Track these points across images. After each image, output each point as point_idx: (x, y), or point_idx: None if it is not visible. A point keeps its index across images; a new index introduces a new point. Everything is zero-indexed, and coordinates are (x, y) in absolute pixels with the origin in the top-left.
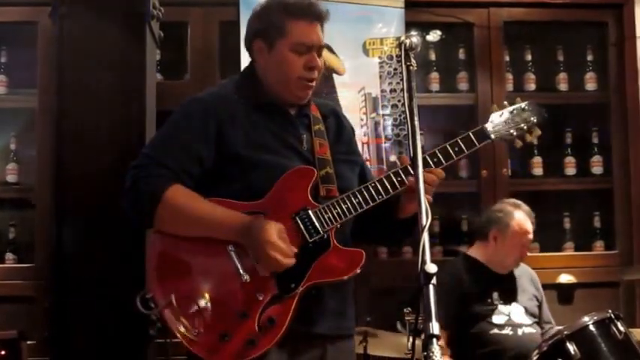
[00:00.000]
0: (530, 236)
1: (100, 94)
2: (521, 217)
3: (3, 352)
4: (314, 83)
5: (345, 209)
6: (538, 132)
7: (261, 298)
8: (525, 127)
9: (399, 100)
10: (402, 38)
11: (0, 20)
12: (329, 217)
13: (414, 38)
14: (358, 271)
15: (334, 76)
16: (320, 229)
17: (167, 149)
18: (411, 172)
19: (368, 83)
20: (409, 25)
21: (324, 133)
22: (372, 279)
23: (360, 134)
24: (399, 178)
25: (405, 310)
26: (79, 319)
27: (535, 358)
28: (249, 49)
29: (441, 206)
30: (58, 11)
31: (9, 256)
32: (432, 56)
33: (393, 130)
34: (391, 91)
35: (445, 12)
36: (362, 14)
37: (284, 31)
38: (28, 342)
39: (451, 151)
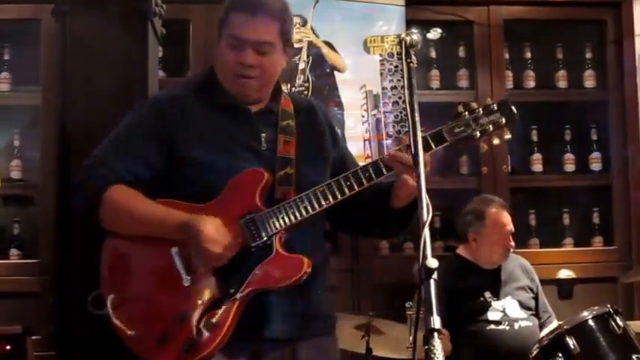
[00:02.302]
0: (509, 227)
1: (103, 91)
2: (494, 212)
3: (8, 347)
4: (253, 81)
5: (290, 214)
6: (508, 135)
7: (200, 302)
8: (491, 129)
9: (399, 98)
10: (403, 36)
11: (3, 18)
12: (273, 223)
13: (415, 36)
14: (301, 277)
15: (335, 73)
16: (263, 234)
17: (114, 150)
18: (362, 176)
19: (369, 81)
20: (410, 23)
21: (292, 129)
22: (373, 274)
23: (362, 131)
24: (347, 183)
25: (406, 304)
26: (84, 314)
27: (535, 352)
28: None
29: (441, 202)
30: (60, 9)
31: (13, 252)
32: (433, 54)
33: (394, 126)
34: (392, 88)
35: (445, 10)
36: (363, 12)
37: (225, 23)
38: (33, 337)
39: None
